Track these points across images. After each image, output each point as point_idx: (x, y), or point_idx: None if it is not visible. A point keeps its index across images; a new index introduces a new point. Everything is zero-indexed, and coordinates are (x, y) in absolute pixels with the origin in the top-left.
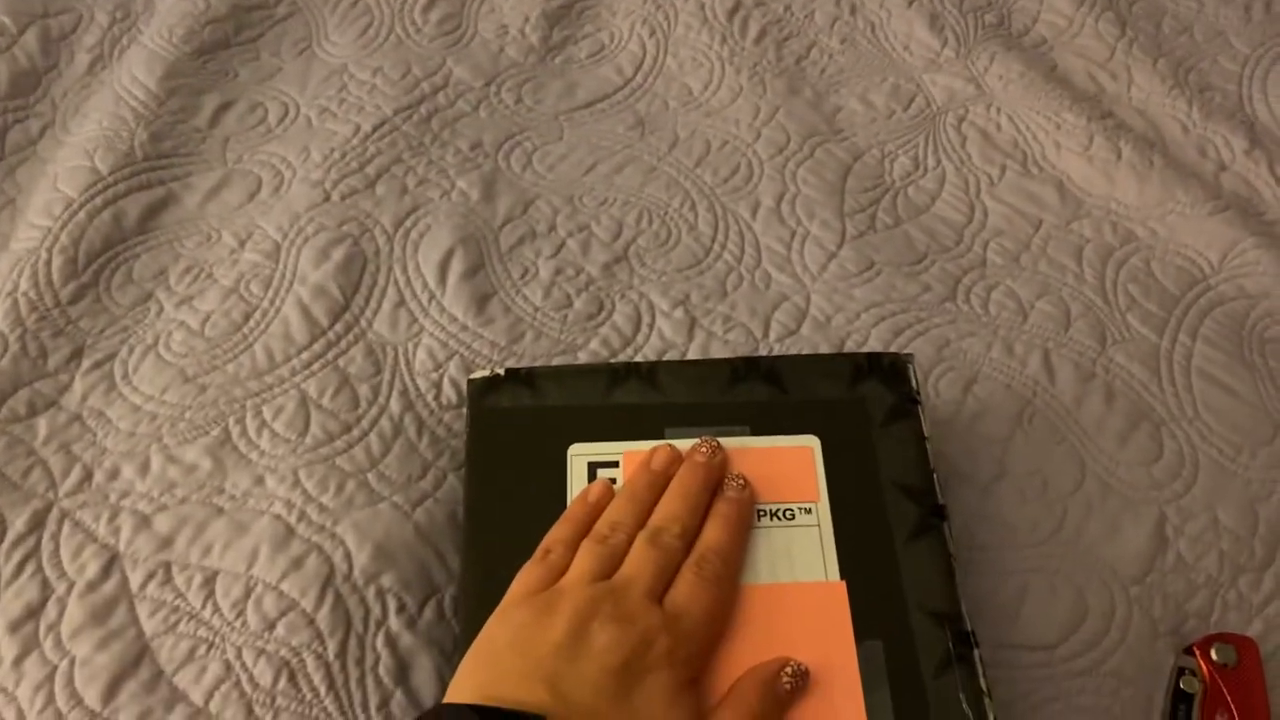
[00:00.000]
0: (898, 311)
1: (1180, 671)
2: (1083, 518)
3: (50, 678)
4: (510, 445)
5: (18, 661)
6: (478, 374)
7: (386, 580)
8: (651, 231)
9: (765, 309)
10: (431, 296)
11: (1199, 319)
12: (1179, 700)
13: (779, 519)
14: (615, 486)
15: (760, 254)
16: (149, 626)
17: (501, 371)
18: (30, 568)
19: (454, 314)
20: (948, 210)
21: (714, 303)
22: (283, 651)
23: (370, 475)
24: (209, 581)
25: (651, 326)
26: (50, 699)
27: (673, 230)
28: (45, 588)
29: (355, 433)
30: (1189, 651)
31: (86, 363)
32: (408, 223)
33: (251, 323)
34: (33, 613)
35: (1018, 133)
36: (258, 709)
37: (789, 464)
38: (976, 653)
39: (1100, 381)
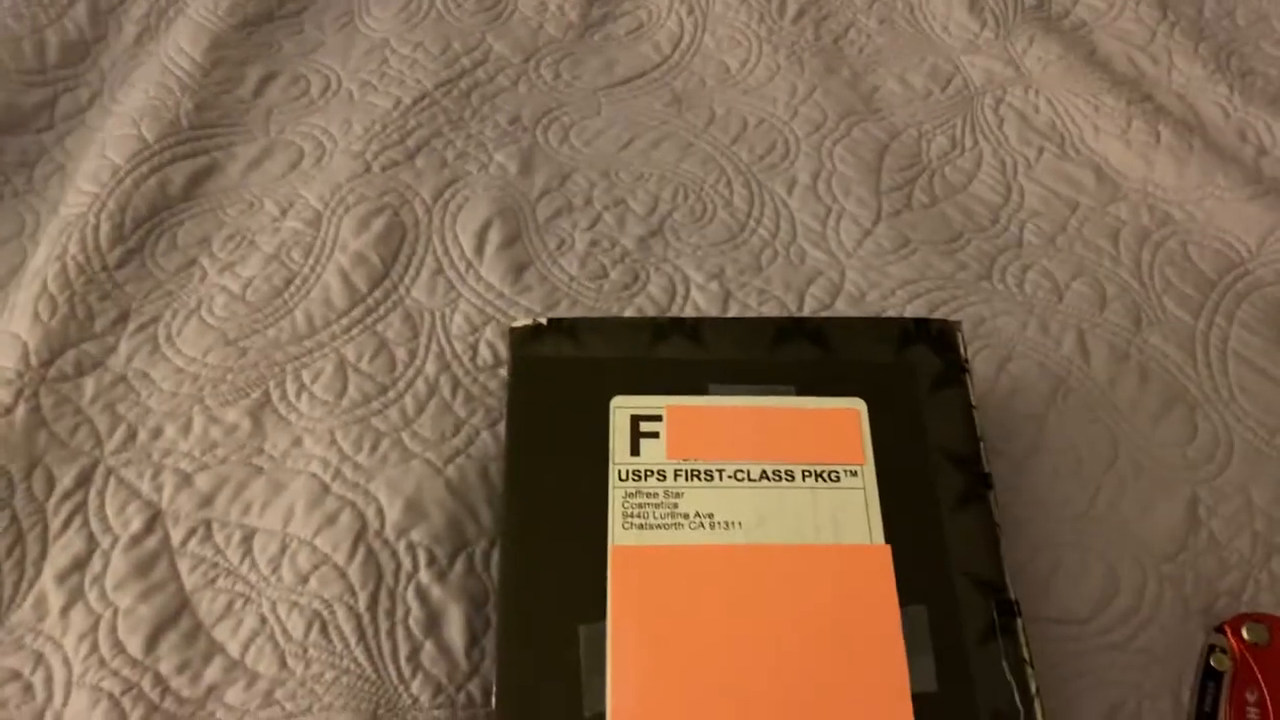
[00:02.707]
0: (933, 289)
1: (1211, 649)
2: (1116, 495)
3: (94, 627)
4: (551, 395)
5: (64, 611)
6: (520, 322)
7: (417, 534)
8: (687, 206)
9: (800, 283)
10: (469, 265)
11: (1236, 303)
12: (1209, 678)
13: (824, 480)
14: (658, 442)
15: (795, 229)
16: (189, 581)
17: (544, 321)
18: (77, 522)
19: (491, 282)
20: (984, 190)
21: (748, 276)
22: (315, 604)
23: (404, 434)
24: (247, 539)
25: (686, 298)
26: (94, 648)
27: (708, 205)
28: (91, 541)
29: (391, 394)
30: (1220, 630)
31: (132, 325)
32: (446, 194)
33: (292, 289)
34: (79, 565)
35: (1056, 115)
36: (290, 660)
37: (835, 426)
38: (1020, 622)
39: (1135, 362)
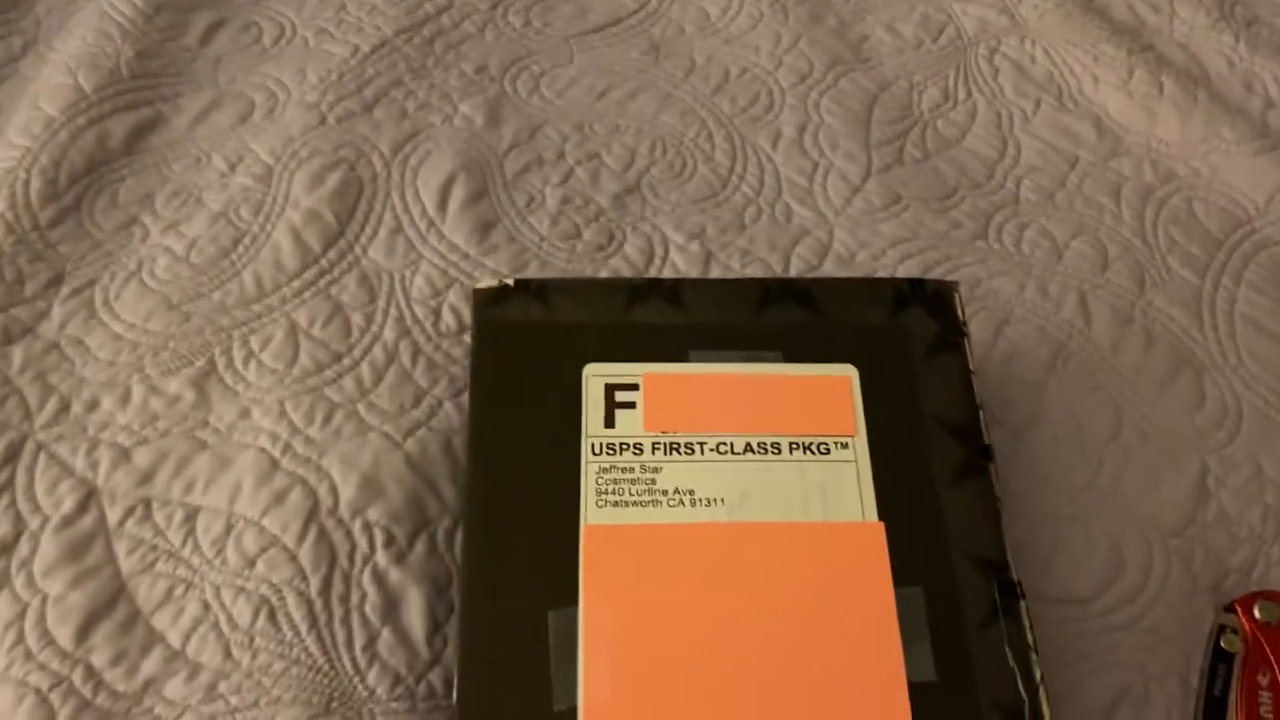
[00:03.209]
0: (926, 248)
1: (1221, 629)
2: (1120, 466)
3: (21, 616)
4: (519, 362)
5: None
6: (484, 283)
7: (374, 513)
8: (665, 161)
9: (785, 243)
10: (431, 224)
11: (1243, 263)
12: (1219, 659)
13: (813, 453)
14: (635, 413)
15: (781, 186)
16: (126, 565)
17: (510, 282)
18: (3, 501)
19: (454, 242)
20: (979, 145)
21: (731, 236)
22: (263, 589)
23: (360, 405)
24: (189, 519)
25: (665, 259)
26: (20, 638)
27: (688, 160)
28: (18, 522)
29: (346, 362)
30: (1230, 608)
31: (66, 289)
32: (407, 148)
33: (240, 249)
34: (5, 548)
35: (1053, 66)
36: (235, 650)
37: (824, 394)
38: (1023, 604)
39: (1139, 325)
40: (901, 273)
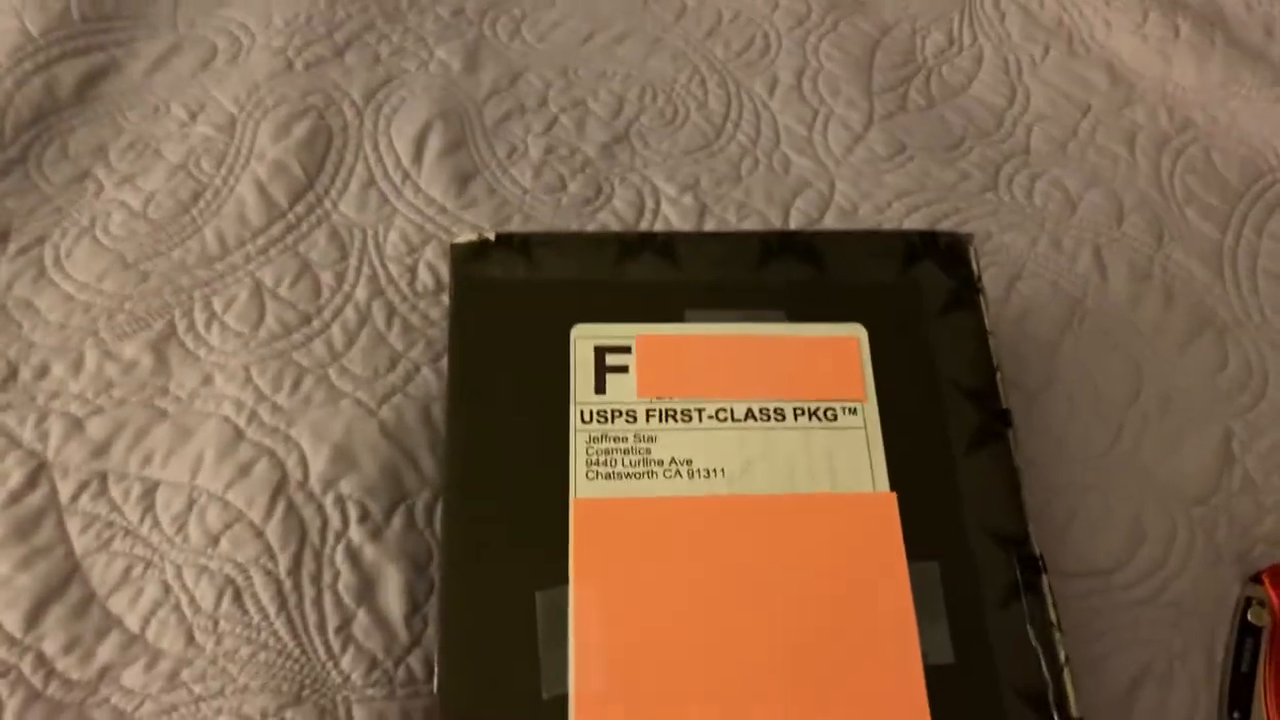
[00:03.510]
0: (933, 200)
1: (1247, 602)
2: (1140, 431)
3: None
4: (501, 323)
5: None
6: (463, 238)
7: (347, 486)
8: (656, 109)
9: (784, 195)
10: (405, 176)
11: (1265, 214)
12: (1245, 634)
13: (819, 419)
14: (627, 377)
15: (778, 135)
16: (79, 544)
17: (491, 236)
18: None
19: (431, 195)
20: (986, 92)
21: (726, 188)
22: (227, 568)
23: (331, 370)
24: (148, 493)
25: (656, 212)
26: None
27: (679, 108)
28: None
29: (316, 324)
30: (1257, 580)
31: (13, 247)
32: (380, 95)
33: (201, 203)
34: None
35: (1062, 9)
36: (199, 635)
37: (831, 356)
38: (1046, 580)
39: (1157, 281)
40: (907, 225)
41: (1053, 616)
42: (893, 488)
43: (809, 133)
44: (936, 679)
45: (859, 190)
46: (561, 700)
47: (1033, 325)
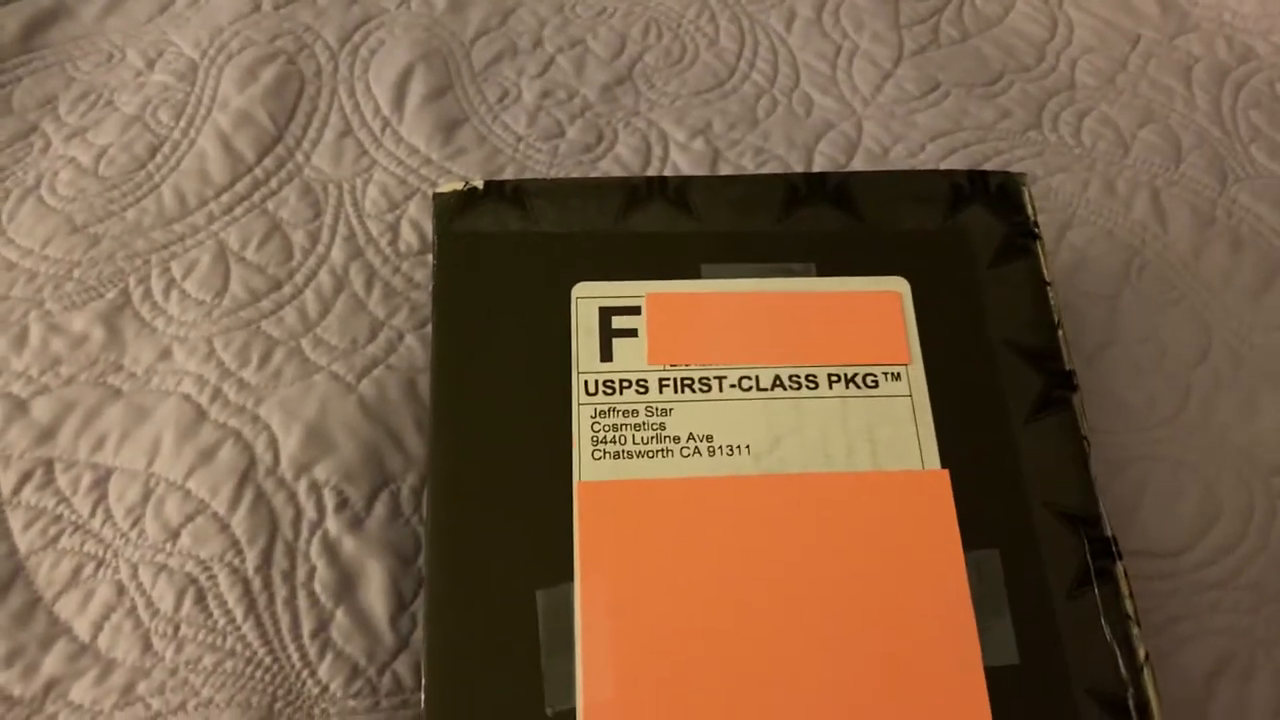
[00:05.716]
0: (972, 142)
1: None
2: (1210, 394)
3: None
4: (492, 283)
5: None
6: (446, 186)
7: (322, 471)
8: (661, 47)
9: (806, 139)
10: (385, 124)
11: None
12: None
13: (858, 386)
14: (637, 342)
15: (798, 73)
16: (22, 541)
17: (479, 184)
18: None
19: (414, 144)
20: (1025, 23)
21: (741, 132)
22: (188, 566)
23: (304, 341)
24: (100, 483)
25: (664, 160)
26: None
27: (688, 45)
28: None
29: (287, 290)
30: None
31: None
32: (356, 36)
33: (159, 158)
34: None
35: None
36: (157, 642)
37: (870, 314)
38: (1121, 566)
39: (1223, 226)
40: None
41: (1129, 608)
42: (944, 464)
43: (832, 70)
44: (999, 683)
45: (890, 132)
46: (569, 716)
47: (1086, 279)
